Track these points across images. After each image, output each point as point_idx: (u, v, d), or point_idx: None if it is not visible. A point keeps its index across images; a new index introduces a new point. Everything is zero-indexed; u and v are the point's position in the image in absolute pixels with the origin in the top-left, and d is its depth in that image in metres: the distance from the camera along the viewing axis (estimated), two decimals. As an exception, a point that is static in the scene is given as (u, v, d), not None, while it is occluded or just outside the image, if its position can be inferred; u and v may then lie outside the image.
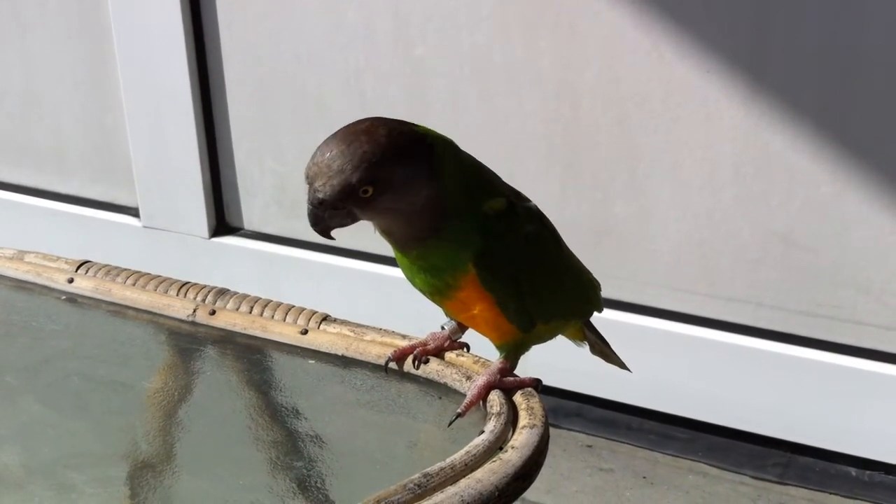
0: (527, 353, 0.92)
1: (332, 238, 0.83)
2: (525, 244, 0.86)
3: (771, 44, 1.57)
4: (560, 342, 0.98)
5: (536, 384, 0.90)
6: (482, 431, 0.83)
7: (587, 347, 1.02)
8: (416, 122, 0.86)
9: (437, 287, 0.87)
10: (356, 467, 0.89)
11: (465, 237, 0.83)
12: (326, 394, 0.99)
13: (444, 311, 0.93)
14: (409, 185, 0.79)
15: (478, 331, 0.91)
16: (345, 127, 0.80)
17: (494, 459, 0.80)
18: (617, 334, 1.03)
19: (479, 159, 0.91)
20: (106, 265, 1.13)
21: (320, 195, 0.78)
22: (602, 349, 1.02)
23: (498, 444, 0.82)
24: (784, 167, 1.61)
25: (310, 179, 0.79)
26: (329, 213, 0.79)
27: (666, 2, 1.61)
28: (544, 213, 0.91)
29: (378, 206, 0.79)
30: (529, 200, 0.89)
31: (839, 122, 1.57)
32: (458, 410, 0.87)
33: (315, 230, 0.81)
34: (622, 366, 1.03)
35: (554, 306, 0.91)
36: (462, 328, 0.95)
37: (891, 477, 1.66)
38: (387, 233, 0.84)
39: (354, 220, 0.81)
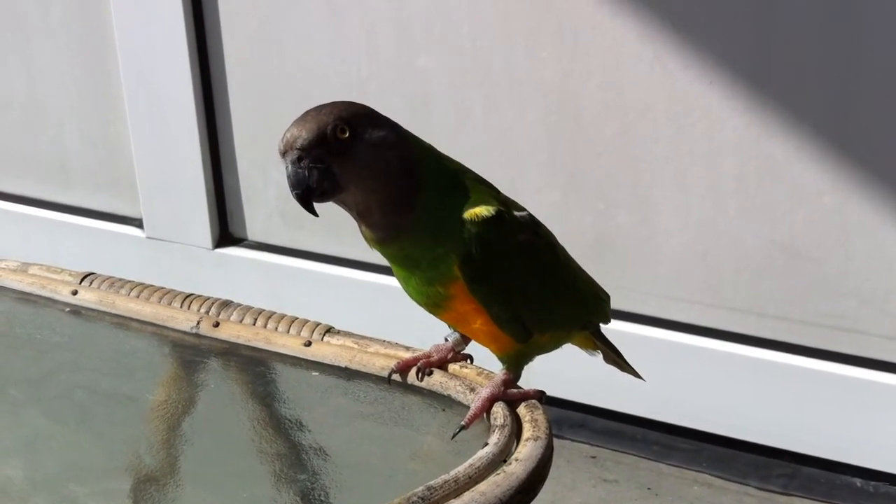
0: (530, 364, 0.92)
1: (315, 213, 0.82)
2: (515, 253, 0.86)
3: (773, 54, 1.57)
4: (566, 352, 0.98)
5: (540, 396, 0.90)
6: (486, 444, 0.83)
7: (600, 356, 1.02)
8: (416, 133, 0.87)
9: (430, 297, 0.87)
10: (360, 480, 0.89)
11: (441, 226, 0.83)
12: (330, 406, 0.99)
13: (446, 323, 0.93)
14: (383, 140, 0.81)
15: (479, 342, 0.91)
16: None
17: (498, 472, 0.80)
18: (620, 344, 1.03)
19: (483, 169, 0.91)
20: (110, 277, 1.13)
21: (298, 143, 0.80)
22: (615, 359, 1.02)
23: (502, 457, 0.82)
24: (787, 177, 1.61)
25: (286, 146, 0.81)
26: (309, 168, 0.80)
27: (668, 12, 1.61)
28: (543, 222, 0.91)
29: (355, 154, 0.80)
30: (524, 210, 0.89)
31: (842, 131, 1.57)
32: (462, 423, 0.87)
33: (297, 194, 0.81)
34: (636, 374, 1.03)
35: (550, 317, 0.91)
36: (465, 340, 0.95)
37: (896, 487, 1.66)
38: (363, 215, 0.83)
39: (334, 184, 0.81)
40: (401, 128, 0.85)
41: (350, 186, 0.81)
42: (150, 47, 2.02)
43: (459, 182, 0.86)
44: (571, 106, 1.72)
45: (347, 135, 0.80)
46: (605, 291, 0.98)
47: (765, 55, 1.58)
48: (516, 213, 0.87)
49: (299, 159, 0.80)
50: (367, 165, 0.81)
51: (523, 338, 0.89)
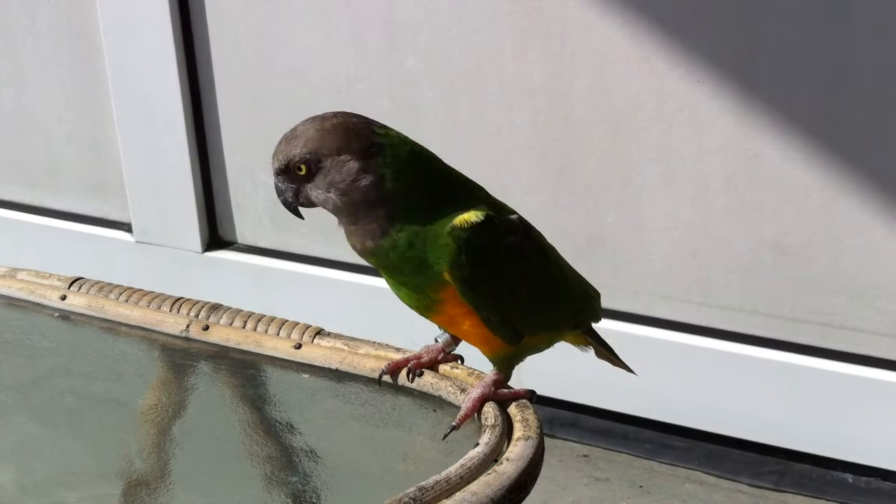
0: (521, 363, 0.92)
1: (300, 216, 0.88)
2: (506, 257, 0.86)
3: (761, 52, 1.58)
4: (557, 352, 0.98)
5: (531, 395, 0.90)
6: (477, 444, 0.83)
7: (592, 352, 1.02)
8: (406, 132, 0.87)
9: (420, 301, 0.87)
10: (351, 481, 0.89)
11: (426, 239, 0.83)
12: (321, 408, 0.99)
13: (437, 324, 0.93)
14: (342, 173, 0.83)
15: (469, 343, 0.91)
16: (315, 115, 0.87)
17: (490, 472, 0.80)
18: (611, 343, 1.03)
19: (472, 170, 0.91)
20: (98, 282, 1.12)
21: (273, 165, 0.86)
22: (606, 354, 1.02)
23: (493, 457, 0.82)
24: (775, 175, 1.62)
25: (272, 159, 0.87)
26: (285, 185, 0.86)
27: (656, 12, 1.62)
28: (534, 223, 0.91)
29: (312, 186, 0.84)
30: (514, 213, 0.89)
31: (830, 130, 1.57)
32: (453, 423, 0.87)
33: (280, 201, 0.87)
34: (627, 369, 1.03)
35: (540, 319, 0.91)
36: (456, 340, 0.95)
37: (887, 483, 1.66)
38: (343, 227, 0.86)
39: (308, 199, 0.86)
40: (379, 144, 0.83)
41: (320, 206, 0.86)
42: (138, 52, 2.02)
43: (448, 189, 0.86)
44: (560, 107, 1.72)
45: (304, 172, 0.84)
46: (595, 290, 0.98)
47: (752, 54, 1.58)
48: (506, 217, 0.87)
49: (276, 175, 0.86)
50: (325, 199, 0.85)
51: (514, 340, 0.89)
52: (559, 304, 0.93)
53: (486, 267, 0.85)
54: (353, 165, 0.83)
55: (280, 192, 0.87)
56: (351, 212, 0.84)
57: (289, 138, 0.85)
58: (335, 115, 0.85)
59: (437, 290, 0.85)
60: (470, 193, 0.87)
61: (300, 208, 0.87)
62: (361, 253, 0.86)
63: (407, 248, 0.84)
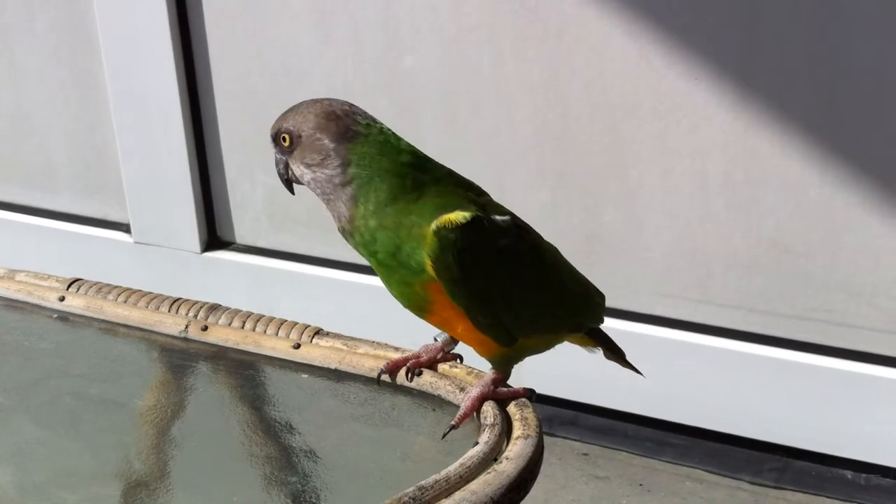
0: (521, 363, 0.92)
1: (291, 191, 0.92)
2: (494, 259, 0.86)
3: (759, 50, 1.58)
4: (556, 351, 0.98)
5: (530, 394, 0.90)
6: (476, 443, 0.83)
7: (600, 353, 1.01)
8: (402, 135, 0.87)
9: (411, 299, 0.87)
10: (351, 481, 0.89)
11: (394, 230, 0.84)
12: (320, 408, 0.99)
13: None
14: (314, 150, 0.87)
15: (466, 344, 0.91)
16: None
17: (489, 471, 0.80)
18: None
19: (470, 169, 0.90)
20: (97, 283, 1.12)
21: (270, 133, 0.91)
22: (613, 356, 1.01)
23: (492, 456, 0.82)
24: (773, 172, 1.62)
25: None
26: (278, 156, 0.91)
27: (654, 10, 1.62)
28: (533, 222, 0.90)
29: (293, 159, 0.89)
30: (507, 214, 0.88)
31: (827, 126, 1.57)
32: (452, 422, 0.87)
33: (277, 173, 0.92)
34: (636, 370, 1.03)
35: (534, 321, 0.90)
36: (455, 340, 0.95)
37: (887, 480, 1.66)
38: (331, 213, 0.89)
39: (293, 174, 0.89)
40: (355, 132, 0.85)
41: (303, 181, 0.89)
42: (136, 52, 2.02)
43: (427, 184, 0.85)
44: (558, 105, 1.72)
45: (287, 143, 0.89)
46: (599, 293, 0.97)
47: (750, 51, 1.58)
48: (497, 218, 0.86)
49: (274, 145, 0.90)
50: (301, 173, 0.88)
51: (507, 342, 0.88)
52: (555, 306, 0.92)
53: (473, 268, 0.84)
54: (326, 145, 0.86)
55: (276, 163, 0.91)
56: (321, 190, 0.87)
57: (285, 111, 0.90)
58: (330, 101, 0.88)
59: (425, 287, 0.85)
60: (457, 193, 0.86)
61: (293, 185, 0.91)
62: (342, 233, 0.88)
63: (377, 229, 0.84)
